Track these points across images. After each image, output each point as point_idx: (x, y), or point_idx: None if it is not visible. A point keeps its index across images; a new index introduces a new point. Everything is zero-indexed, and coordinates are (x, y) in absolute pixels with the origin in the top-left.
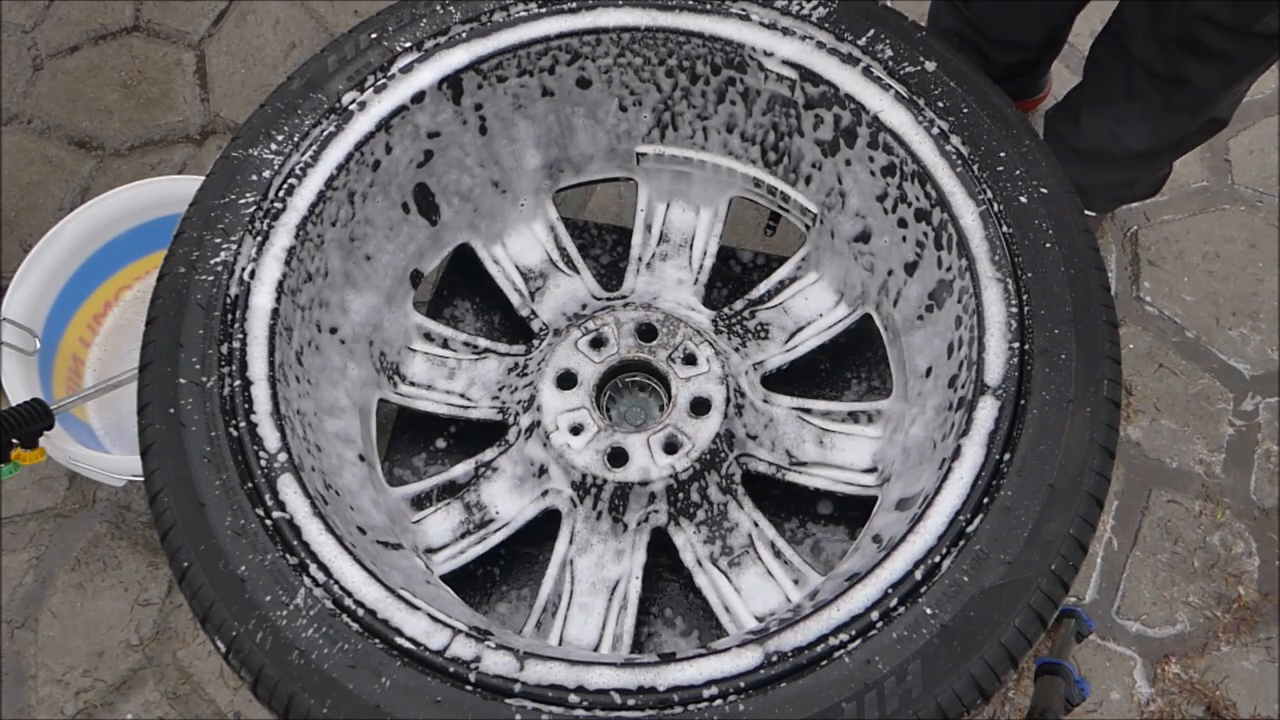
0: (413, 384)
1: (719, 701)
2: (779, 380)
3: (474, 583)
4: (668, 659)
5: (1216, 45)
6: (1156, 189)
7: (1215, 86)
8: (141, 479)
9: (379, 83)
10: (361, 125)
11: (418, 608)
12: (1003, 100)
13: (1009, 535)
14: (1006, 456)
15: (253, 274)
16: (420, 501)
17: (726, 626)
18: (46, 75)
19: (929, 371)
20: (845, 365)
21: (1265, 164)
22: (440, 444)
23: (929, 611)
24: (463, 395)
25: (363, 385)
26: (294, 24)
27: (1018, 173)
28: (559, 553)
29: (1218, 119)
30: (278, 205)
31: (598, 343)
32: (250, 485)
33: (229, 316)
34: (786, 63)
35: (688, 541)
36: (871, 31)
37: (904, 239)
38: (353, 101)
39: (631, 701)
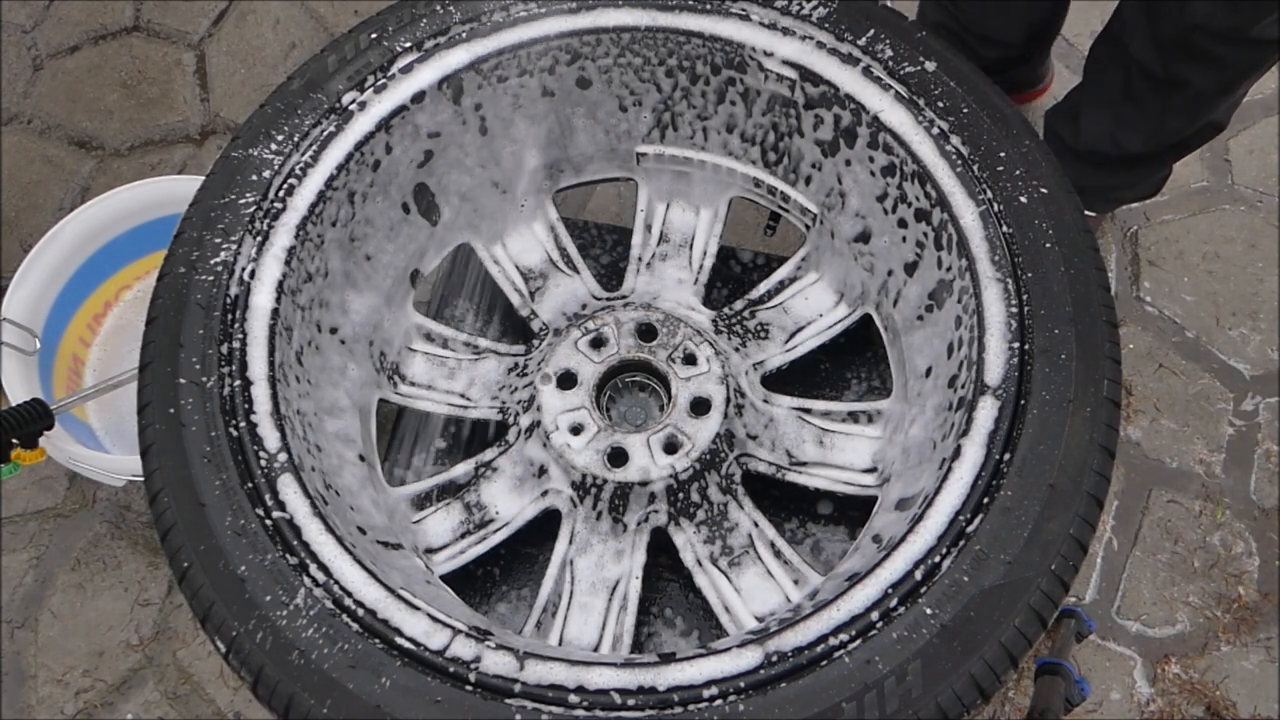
0: (413, 384)
1: (719, 701)
2: (779, 380)
3: (474, 583)
4: (668, 659)
5: (1213, 50)
6: (1156, 189)
7: (1213, 90)
8: (141, 479)
9: (379, 83)
10: (361, 125)
11: (418, 608)
12: (1003, 100)
13: (1009, 535)
14: (1006, 456)
15: (253, 274)
16: (420, 501)
17: (726, 626)
18: (46, 75)
19: (929, 371)
20: (845, 365)
21: (1265, 164)
22: (440, 444)
23: (929, 611)
24: (463, 395)
25: (363, 385)
26: (294, 24)
27: (1018, 173)
28: (559, 553)
29: (1216, 122)
30: (278, 205)
31: (598, 343)
32: (250, 485)
33: (229, 316)
34: (786, 63)
35: (688, 541)
36: (871, 31)
37: (904, 239)
38: (353, 101)
39: (631, 701)
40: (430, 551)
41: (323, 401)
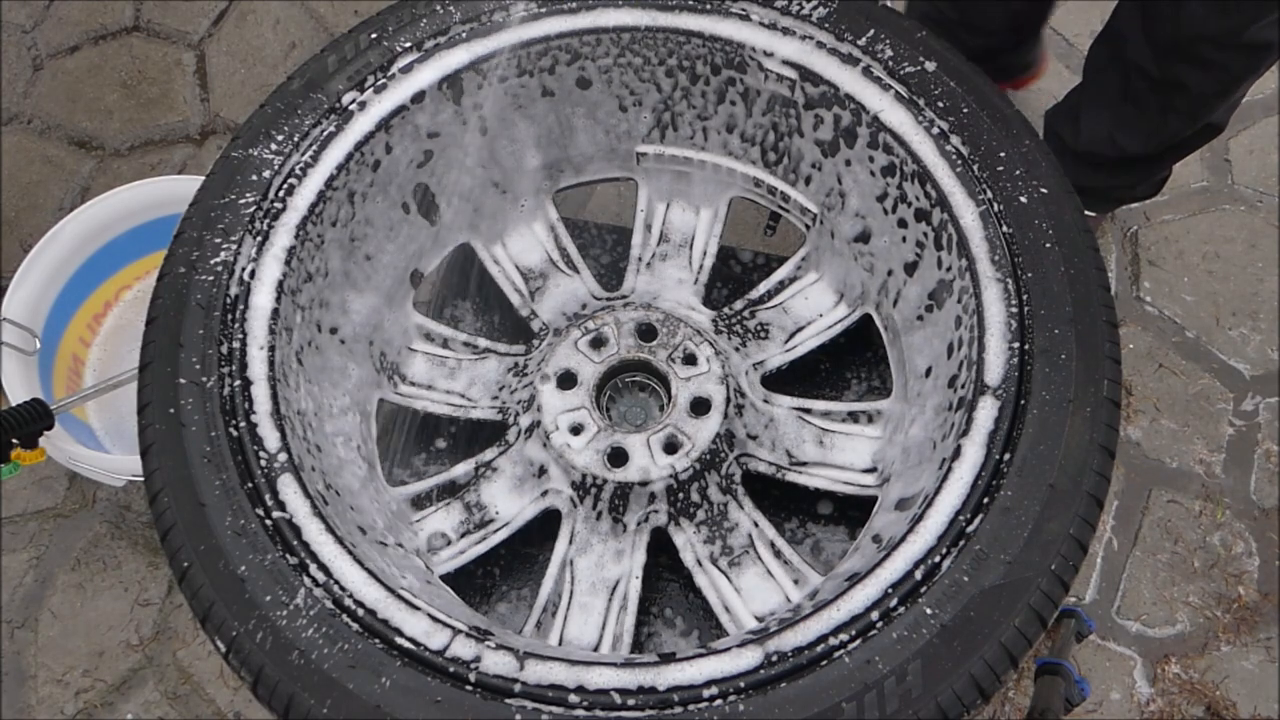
0: (413, 384)
1: (719, 701)
2: (779, 380)
3: (474, 583)
4: (668, 659)
5: (1208, 54)
6: (1156, 190)
7: (1211, 93)
8: (141, 479)
9: (379, 83)
10: (361, 125)
11: (418, 608)
12: (1003, 100)
13: (1009, 535)
14: (1006, 456)
15: (253, 274)
16: (420, 501)
17: (726, 626)
18: (46, 75)
19: (929, 371)
20: (845, 365)
21: (1265, 164)
22: (440, 444)
23: (929, 611)
24: (463, 395)
25: (363, 385)
26: (294, 24)
27: (1018, 173)
28: (559, 553)
29: (1214, 124)
30: (278, 205)
31: (598, 343)
32: (250, 485)
33: (229, 316)
34: (786, 63)
35: (688, 541)
36: (871, 31)
37: (904, 239)
38: (353, 101)
39: (631, 701)
40: (430, 551)
41: (323, 401)
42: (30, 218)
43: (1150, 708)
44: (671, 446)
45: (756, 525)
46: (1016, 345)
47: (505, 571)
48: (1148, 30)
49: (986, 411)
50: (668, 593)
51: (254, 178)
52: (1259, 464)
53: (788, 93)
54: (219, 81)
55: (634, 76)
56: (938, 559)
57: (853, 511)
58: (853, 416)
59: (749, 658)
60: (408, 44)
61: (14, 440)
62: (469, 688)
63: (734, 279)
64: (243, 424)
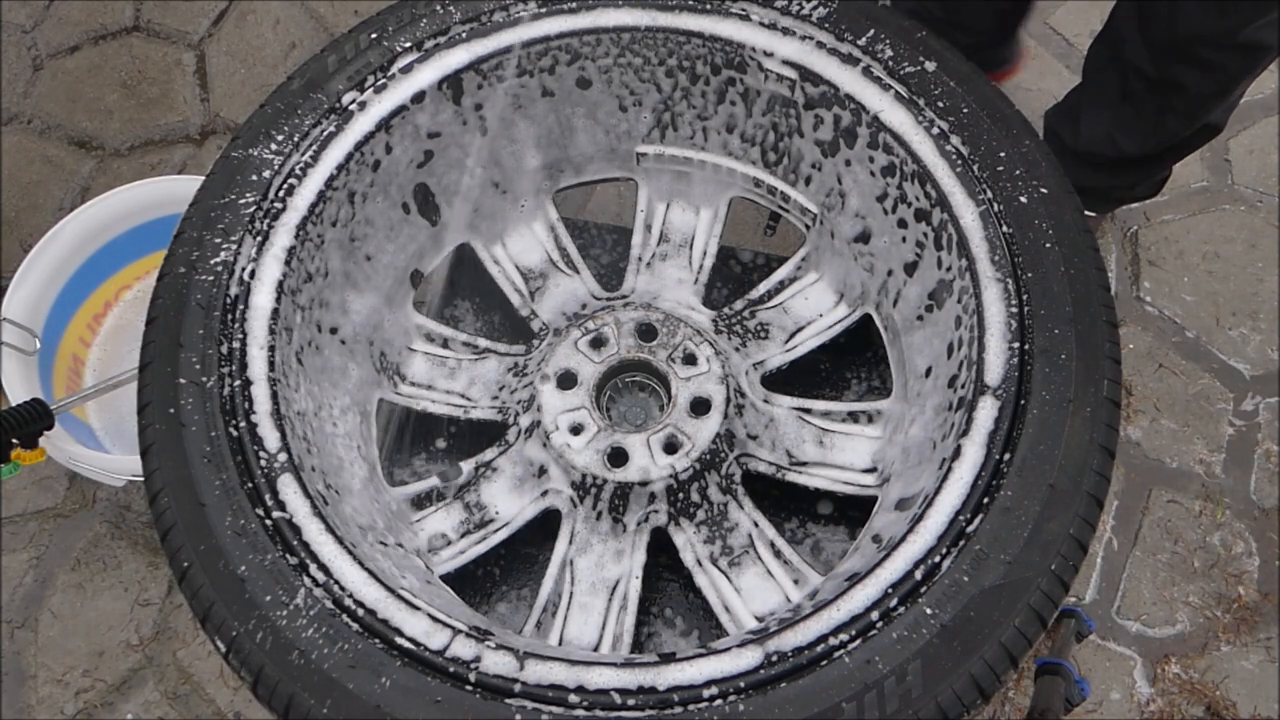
0: (413, 384)
1: (719, 701)
2: (779, 380)
3: (474, 583)
4: (668, 659)
5: (1204, 54)
6: (1156, 190)
7: (1208, 93)
8: (141, 479)
9: (379, 83)
10: (361, 125)
11: (418, 608)
12: (1003, 100)
13: (1009, 535)
14: (1006, 456)
15: (253, 274)
16: (420, 501)
17: (726, 626)
18: (46, 75)
19: (929, 371)
20: (845, 365)
21: (1265, 164)
22: (440, 444)
23: (929, 611)
24: (463, 395)
25: (363, 385)
26: (294, 24)
27: (1018, 173)
28: (559, 553)
29: (1213, 125)
30: (278, 205)
31: (598, 343)
32: (250, 485)
33: (229, 316)
34: (786, 63)
35: (688, 541)
36: (871, 31)
37: (904, 239)
38: (353, 101)
39: (631, 701)
40: (430, 551)
41: (323, 401)
42: (30, 218)
43: (1150, 708)
44: (671, 446)
45: (756, 525)
46: (1016, 345)
47: (505, 571)
48: (1144, 30)
49: (986, 411)
50: (668, 593)
51: (254, 178)
52: (1259, 464)
53: (788, 93)
54: (219, 81)
55: (634, 76)
56: (938, 559)
57: (853, 511)
58: (853, 416)
59: (749, 658)
60: (408, 44)
61: (14, 440)
62: (469, 688)
63: (734, 279)
64: (243, 424)
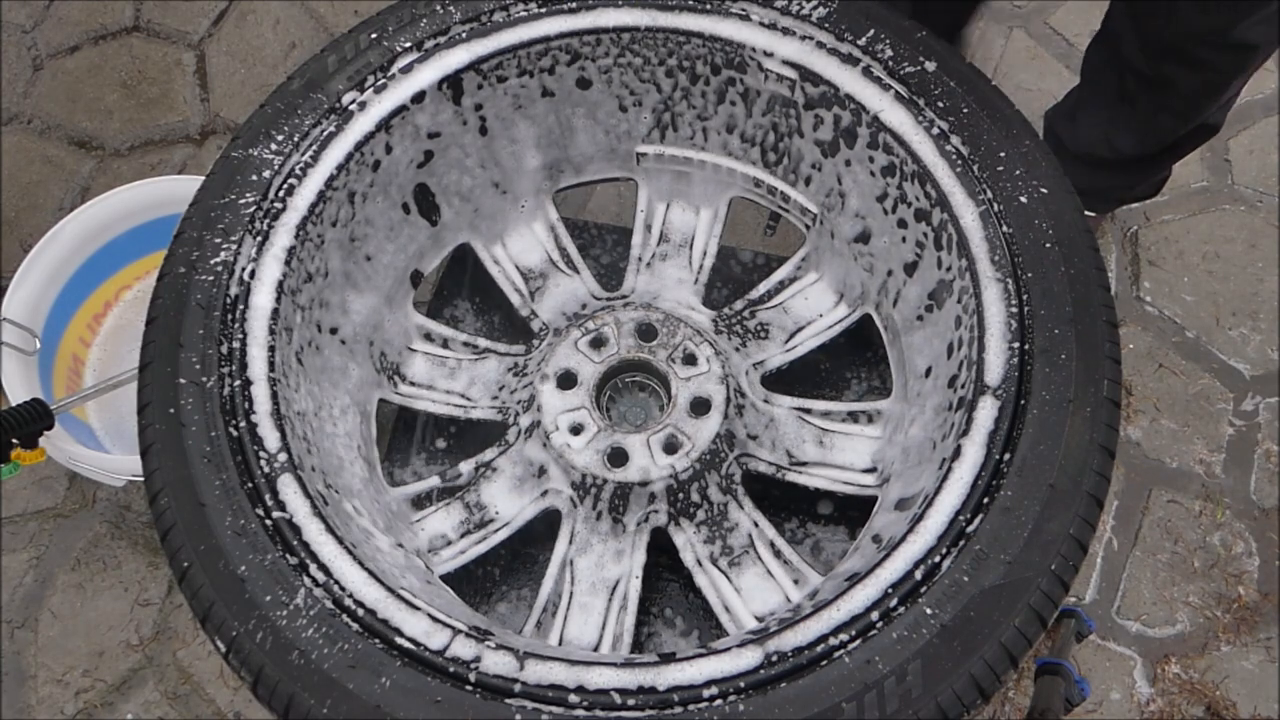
0: (413, 384)
1: (719, 701)
2: (779, 380)
3: (474, 583)
4: (668, 659)
5: (1196, 53)
6: (1156, 190)
7: (1201, 92)
8: (141, 479)
9: (379, 83)
10: (361, 125)
11: (418, 608)
12: (1003, 100)
13: (1009, 535)
14: (1006, 456)
15: (253, 274)
16: (420, 501)
17: (726, 626)
18: (46, 75)
19: (929, 371)
20: (845, 365)
21: (1265, 164)
22: (440, 444)
23: (929, 611)
24: (463, 395)
25: (363, 385)
26: (294, 24)
27: (1018, 173)
28: (559, 553)
29: (1210, 125)
30: (278, 205)
31: (598, 343)
32: (250, 485)
33: (229, 316)
34: (786, 63)
35: (688, 541)
36: (871, 31)
37: (904, 239)
38: (353, 101)
39: (631, 701)
40: (430, 551)
41: (323, 401)
42: (30, 218)
43: (1150, 708)
44: (671, 446)
45: (756, 525)
46: (1016, 345)
47: (505, 571)
48: (1138, 29)
49: (986, 411)
50: (668, 593)
51: (254, 178)
52: (1259, 464)
53: (788, 93)
54: (219, 81)
55: (634, 77)
56: (938, 559)
57: (853, 511)
58: (853, 416)
59: (749, 658)
60: (408, 44)
61: (14, 440)
62: (469, 688)
63: (734, 279)
64: (243, 424)
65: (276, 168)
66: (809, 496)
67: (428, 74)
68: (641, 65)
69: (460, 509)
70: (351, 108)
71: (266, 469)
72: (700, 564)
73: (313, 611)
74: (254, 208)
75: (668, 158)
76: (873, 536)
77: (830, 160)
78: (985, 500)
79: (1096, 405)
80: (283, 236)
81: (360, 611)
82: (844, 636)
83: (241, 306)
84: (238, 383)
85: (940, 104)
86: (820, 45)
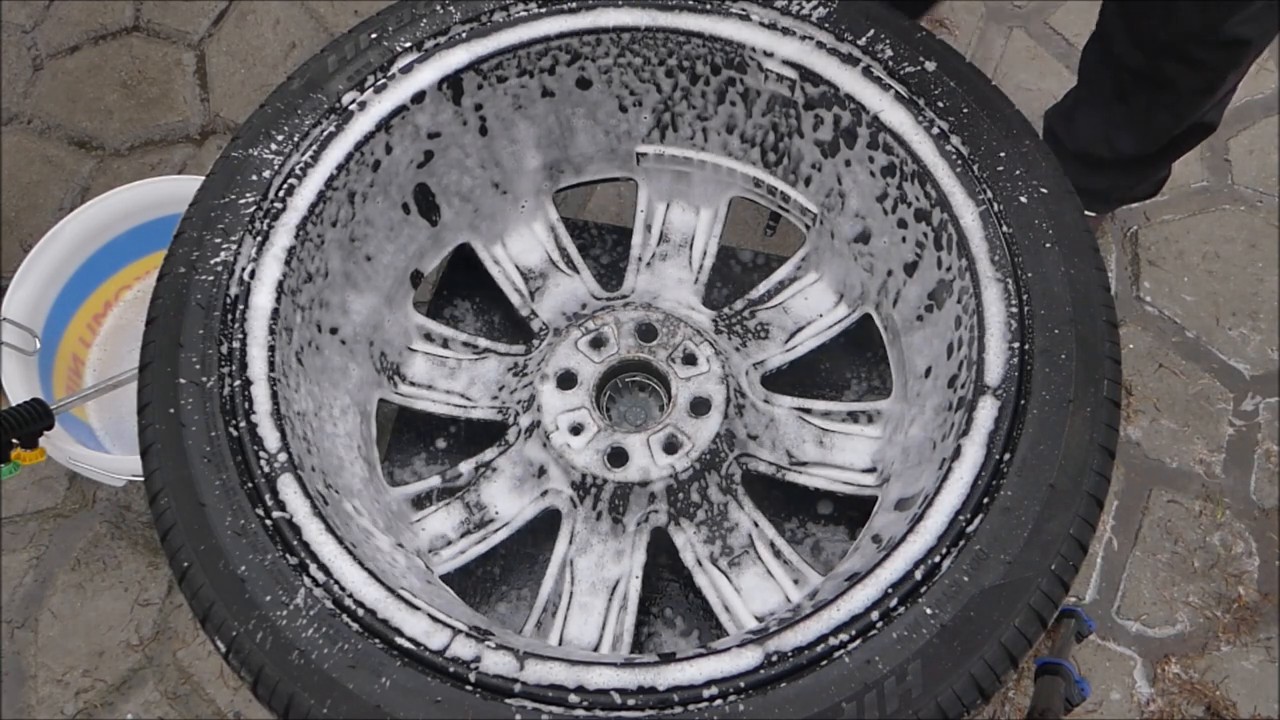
0: (413, 384)
1: (719, 701)
2: (779, 380)
3: (474, 583)
4: (668, 659)
5: (1188, 49)
6: (1156, 190)
7: (1196, 89)
8: (141, 479)
9: (379, 83)
10: (361, 125)
11: (418, 608)
12: (1003, 100)
13: (1009, 535)
14: (1006, 456)
15: (253, 274)
16: (420, 501)
17: (726, 626)
18: (46, 75)
19: (929, 372)
20: (845, 365)
21: (1265, 164)
22: (440, 444)
23: (929, 611)
24: (463, 395)
25: (363, 385)
26: (294, 24)
27: (1018, 173)
28: (559, 553)
29: (1205, 122)
30: (278, 205)
31: (598, 343)
32: (250, 485)
33: (229, 316)
34: (786, 63)
35: (688, 541)
36: (871, 31)
37: (904, 239)
38: (353, 101)
39: (631, 701)
40: (430, 551)
41: (323, 401)
42: (30, 218)
43: (1150, 708)
44: (671, 446)
45: (756, 525)
46: (1016, 345)
47: (505, 571)
48: (1130, 28)
49: (986, 411)
50: (668, 593)
51: (254, 178)
52: (1259, 464)
53: (788, 93)
54: (219, 81)
55: (634, 77)
56: (938, 559)
57: (853, 511)
58: (853, 416)
59: (749, 658)
60: (408, 44)
61: (14, 440)
62: (469, 688)
63: (734, 279)
64: (243, 424)
65: (276, 168)
66: (809, 496)
67: (428, 74)
68: (641, 65)
69: (460, 509)
70: (351, 108)
71: (266, 469)
72: (700, 564)
73: (313, 611)
74: (254, 208)
75: (668, 158)
76: (873, 536)
77: (830, 160)
78: (985, 500)
79: (1096, 405)
80: (283, 236)
81: (360, 611)
82: (844, 636)
83: (241, 306)
84: (238, 383)
85: (940, 104)
86: (820, 45)
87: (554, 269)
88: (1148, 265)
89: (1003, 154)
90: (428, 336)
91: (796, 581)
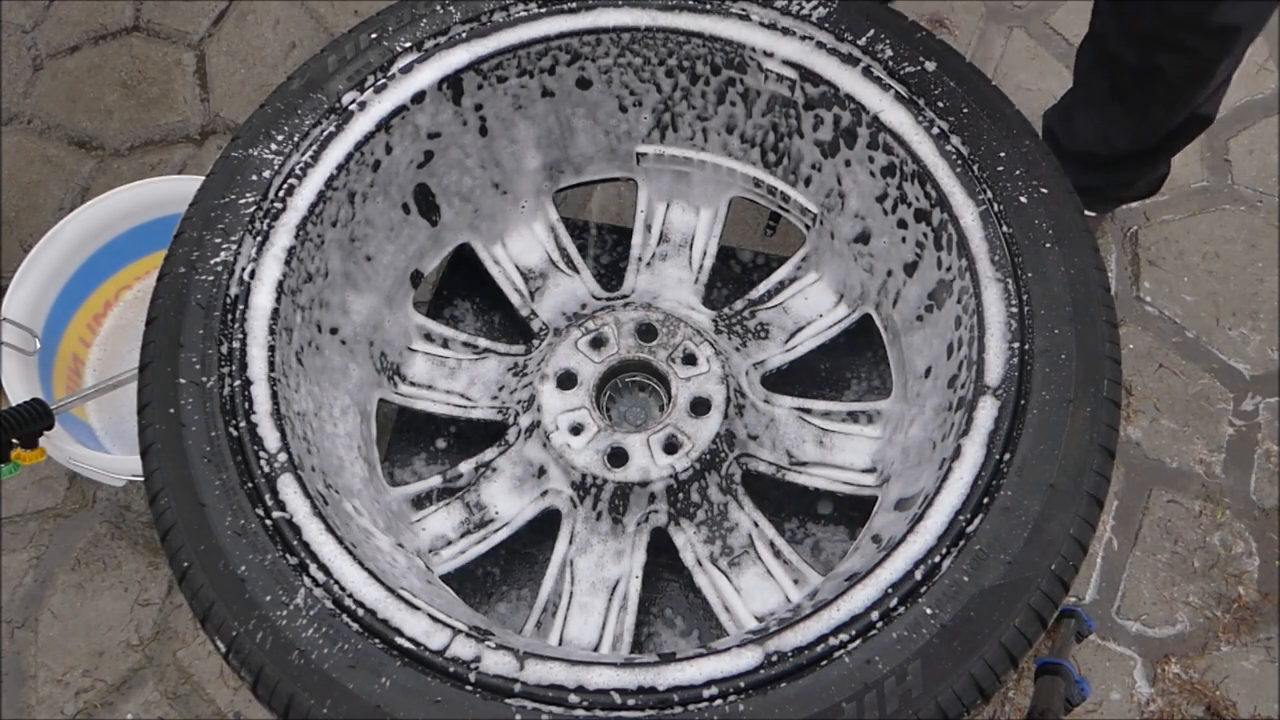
0: (413, 384)
1: (719, 701)
2: (779, 380)
3: (474, 583)
4: (668, 659)
5: (1180, 38)
6: (1156, 188)
7: (1190, 79)
8: (141, 479)
9: (379, 83)
10: (361, 125)
11: (418, 608)
12: (1003, 100)
13: (1009, 535)
14: (1006, 456)
15: (253, 274)
16: (420, 501)
17: (726, 626)
18: (46, 75)
19: (929, 372)
20: (845, 365)
21: (1265, 164)
22: (440, 444)
23: (929, 611)
24: (463, 395)
25: (363, 385)
26: (294, 24)
27: (1018, 173)
28: (559, 553)
29: (1201, 115)
30: (278, 205)
31: (598, 343)
32: (250, 485)
33: (229, 316)
34: (786, 63)
35: (688, 541)
36: (871, 31)
37: (904, 239)
38: (353, 101)
39: (631, 701)
40: (430, 551)
41: (323, 401)
42: (30, 218)
43: (1150, 708)
44: (671, 446)
45: (756, 525)
46: (1016, 345)
47: (505, 571)
48: (1121, 20)
49: (986, 411)
50: (668, 593)
51: (254, 178)
52: (1259, 464)
53: (788, 93)
54: (219, 81)
55: (634, 77)
56: (938, 559)
57: (853, 511)
58: (853, 416)
59: (749, 658)
60: (408, 44)
61: (14, 440)
62: (469, 688)
63: (734, 279)
64: (243, 424)
65: (276, 168)
66: (809, 496)
67: (428, 74)
68: (641, 65)
69: (460, 509)
70: (351, 108)
71: (266, 469)
72: (700, 564)
73: (313, 611)
74: (254, 208)
75: (668, 158)
76: (873, 536)
77: (830, 160)
78: (985, 500)
79: (1096, 405)
80: (283, 236)
81: (360, 611)
82: (844, 636)
83: (241, 306)
84: (238, 383)
85: (940, 104)
86: (820, 45)
87: (554, 269)
88: (1148, 265)
89: (1003, 154)
90: (428, 336)
91: (796, 581)
